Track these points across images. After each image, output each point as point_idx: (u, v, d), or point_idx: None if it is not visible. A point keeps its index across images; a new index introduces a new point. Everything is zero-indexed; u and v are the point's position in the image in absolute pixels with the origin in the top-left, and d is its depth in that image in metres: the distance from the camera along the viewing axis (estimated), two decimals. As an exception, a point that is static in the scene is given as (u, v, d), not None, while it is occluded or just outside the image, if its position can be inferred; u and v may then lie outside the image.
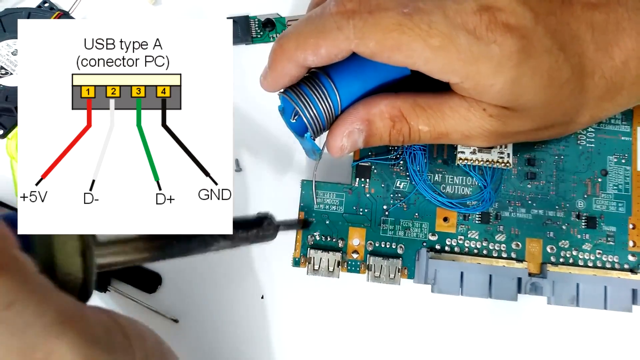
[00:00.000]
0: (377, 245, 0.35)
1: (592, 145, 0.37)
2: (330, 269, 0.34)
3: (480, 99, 0.28)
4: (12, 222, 0.22)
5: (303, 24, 0.28)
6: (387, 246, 0.35)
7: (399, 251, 0.35)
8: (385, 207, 0.36)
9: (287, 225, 0.30)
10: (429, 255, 0.34)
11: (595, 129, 0.37)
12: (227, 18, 0.40)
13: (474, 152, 0.35)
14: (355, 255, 0.35)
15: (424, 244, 0.35)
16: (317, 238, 0.35)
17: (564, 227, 0.35)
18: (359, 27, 0.27)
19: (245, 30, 0.40)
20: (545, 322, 0.36)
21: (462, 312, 0.36)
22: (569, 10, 0.29)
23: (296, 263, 0.35)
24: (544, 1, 0.28)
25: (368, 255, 0.35)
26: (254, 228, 0.27)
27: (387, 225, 0.35)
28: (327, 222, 0.35)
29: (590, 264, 0.35)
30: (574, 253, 0.35)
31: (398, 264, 0.34)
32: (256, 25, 0.40)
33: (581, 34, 0.28)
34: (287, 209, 0.36)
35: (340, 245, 0.35)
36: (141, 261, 0.25)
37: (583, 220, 0.36)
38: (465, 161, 0.35)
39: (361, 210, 0.36)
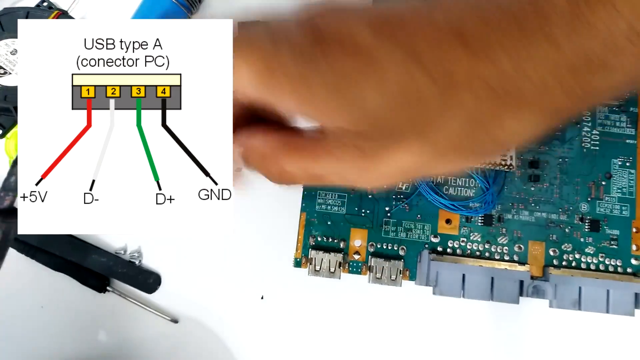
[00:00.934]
0: (378, 246, 0.35)
1: (597, 148, 0.36)
2: (332, 270, 0.34)
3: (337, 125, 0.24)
4: None
5: None
6: (389, 247, 0.35)
7: (401, 253, 0.35)
8: (387, 208, 0.36)
9: None
10: (430, 257, 0.34)
11: (600, 132, 0.37)
12: (239, 23, 0.40)
13: (476, 154, 0.35)
14: (356, 257, 0.35)
15: (426, 245, 0.35)
16: (319, 239, 0.35)
17: (567, 230, 0.35)
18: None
19: (256, 36, 0.40)
20: (547, 325, 0.36)
21: (463, 315, 0.36)
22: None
23: (297, 264, 0.35)
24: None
25: (369, 257, 0.35)
26: None
27: (389, 226, 0.35)
28: (329, 222, 0.35)
29: (592, 268, 0.35)
30: (577, 256, 0.35)
31: (400, 265, 0.34)
32: (267, 32, 0.40)
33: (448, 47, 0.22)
34: (286, 209, 0.36)
35: (341, 246, 0.35)
36: None
37: (586, 224, 0.35)
38: (468, 163, 0.35)
39: (363, 211, 0.36)
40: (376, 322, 0.36)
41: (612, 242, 0.35)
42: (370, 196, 0.36)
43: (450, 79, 0.22)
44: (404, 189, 0.36)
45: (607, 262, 0.35)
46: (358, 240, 0.35)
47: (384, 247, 0.35)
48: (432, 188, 0.36)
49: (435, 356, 0.36)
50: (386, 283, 0.34)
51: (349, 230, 0.35)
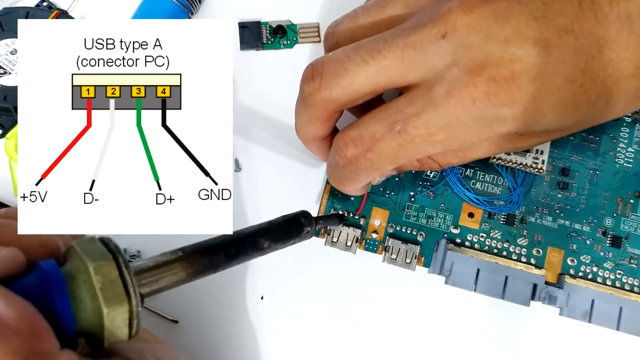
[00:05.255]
0: (397, 229, 0.34)
1: (630, 165, 0.33)
2: (349, 243, 0.33)
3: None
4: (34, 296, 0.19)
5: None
6: (408, 232, 0.34)
7: (419, 238, 0.33)
8: (412, 193, 0.34)
9: (325, 220, 0.32)
10: (448, 246, 0.33)
11: (636, 150, 0.33)
12: (239, 23, 0.38)
13: (509, 153, 0.32)
14: (374, 235, 0.34)
15: (445, 235, 0.33)
16: (340, 212, 0.34)
17: (588, 241, 0.33)
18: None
19: (256, 35, 0.38)
20: (553, 333, 0.34)
21: (470, 309, 0.34)
22: (592, 13, 0.22)
23: (316, 233, 0.34)
24: (554, 17, 0.22)
25: (387, 237, 0.33)
26: (294, 227, 0.28)
27: (410, 211, 0.34)
28: (352, 198, 0.34)
29: (609, 283, 0.32)
30: (594, 269, 0.32)
31: (416, 250, 0.33)
32: (267, 31, 0.38)
33: (612, 35, 0.23)
34: (286, 209, 0.35)
35: (361, 222, 0.34)
36: (187, 280, 0.24)
37: (608, 238, 0.33)
38: (499, 161, 0.32)
39: (387, 192, 0.34)
40: (381, 315, 0.35)
41: (632, 261, 0.32)
42: (397, 179, 0.34)
43: (617, 77, 0.24)
44: (431, 176, 0.34)
45: (624, 280, 0.32)
46: (378, 219, 0.34)
47: (403, 230, 0.34)
48: (459, 180, 0.33)
49: (436, 345, 0.34)
50: (400, 265, 0.33)
51: (370, 208, 0.34)
